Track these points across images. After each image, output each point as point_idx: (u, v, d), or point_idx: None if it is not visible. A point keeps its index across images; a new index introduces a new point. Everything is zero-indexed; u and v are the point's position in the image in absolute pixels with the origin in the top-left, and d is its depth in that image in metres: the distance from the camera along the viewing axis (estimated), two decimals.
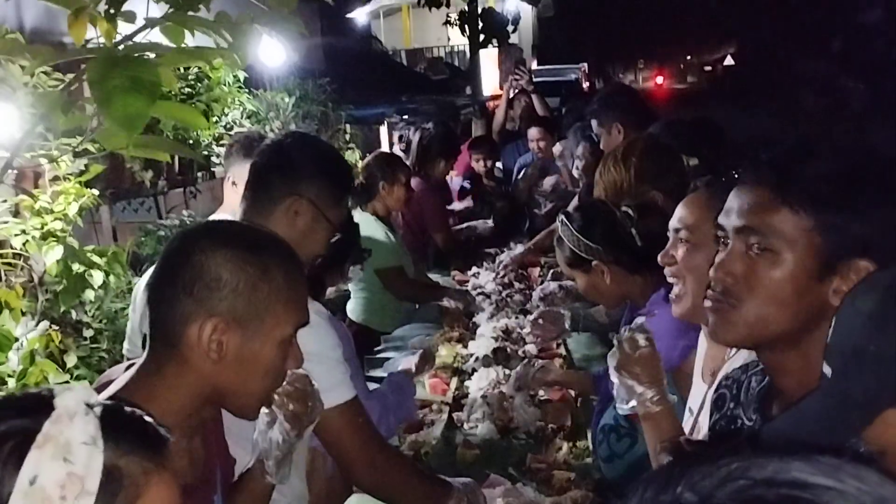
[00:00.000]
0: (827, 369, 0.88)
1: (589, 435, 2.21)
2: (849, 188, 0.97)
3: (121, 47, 1.42)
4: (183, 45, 1.50)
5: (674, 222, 1.54)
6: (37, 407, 0.74)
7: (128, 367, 1.19)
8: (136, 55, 1.30)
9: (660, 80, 39.64)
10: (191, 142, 3.75)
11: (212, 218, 2.20)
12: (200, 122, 1.70)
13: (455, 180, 5.30)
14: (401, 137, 5.03)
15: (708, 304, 1.06)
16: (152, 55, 1.40)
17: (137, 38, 1.58)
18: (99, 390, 1.14)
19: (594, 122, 3.14)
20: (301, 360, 1.20)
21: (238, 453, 1.34)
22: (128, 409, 0.81)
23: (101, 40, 1.58)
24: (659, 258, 1.54)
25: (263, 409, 1.26)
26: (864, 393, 0.84)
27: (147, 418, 0.81)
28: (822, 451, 0.49)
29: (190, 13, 1.49)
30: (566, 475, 2.08)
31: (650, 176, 2.16)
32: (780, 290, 0.99)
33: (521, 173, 5.32)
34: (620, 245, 1.91)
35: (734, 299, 1.02)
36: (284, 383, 1.25)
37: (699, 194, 1.55)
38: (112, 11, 1.58)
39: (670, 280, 1.54)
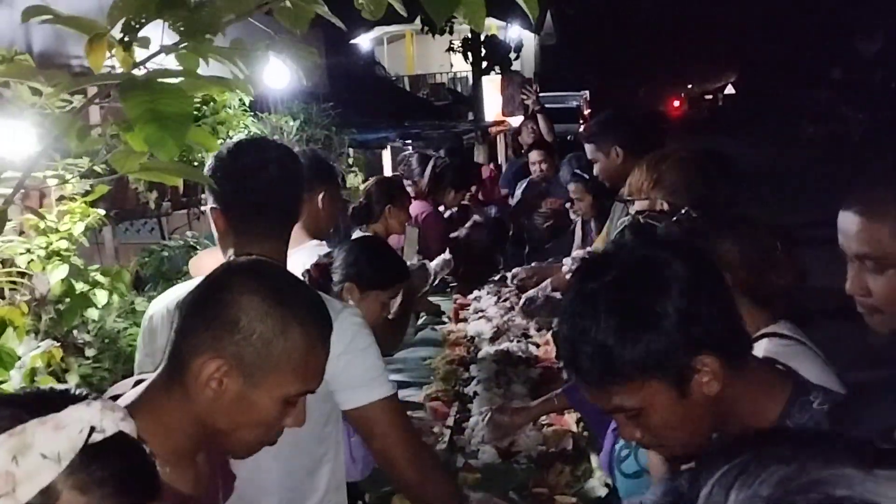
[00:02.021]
0: None
1: (594, 458, 2.20)
2: None
3: (140, 73, 1.44)
4: (198, 72, 1.52)
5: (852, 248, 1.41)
6: (52, 404, 0.75)
7: (136, 383, 1.20)
8: (160, 81, 1.32)
9: (676, 103, 39.86)
10: (196, 164, 3.77)
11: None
12: (212, 144, 1.71)
13: None
14: (402, 161, 5.08)
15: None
16: (174, 81, 1.42)
17: (150, 64, 1.61)
18: None
19: (591, 147, 3.12)
20: (302, 422, 1.18)
21: (239, 470, 1.34)
22: (135, 453, 0.80)
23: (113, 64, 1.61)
24: (850, 290, 1.43)
25: None
26: None
27: (152, 468, 0.81)
28: None
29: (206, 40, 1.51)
30: (568, 500, 2.07)
31: (667, 186, 2.18)
32: None
33: (519, 196, 5.36)
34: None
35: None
36: None
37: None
38: (127, 39, 1.61)
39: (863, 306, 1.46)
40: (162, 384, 1.13)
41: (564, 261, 3.44)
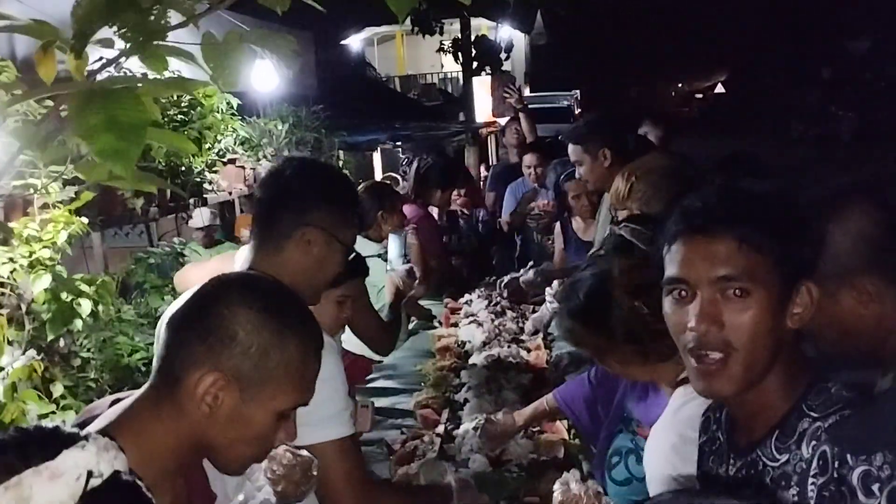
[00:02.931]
0: None
1: (585, 466, 2.18)
2: (799, 221, 1.12)
3: (98, 79, 1.40)
4: (160, 76, 1.48)
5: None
6: (43, 447, 0.73)
7: (112, 403, 1.17)
8: (116, 88, 1.27)
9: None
10: (183, 168, 3.74)
11: None
12: (190, 148, 1.68)
13: None
14: (406, 160, 5.06)
15: (693, 363, 1.11)
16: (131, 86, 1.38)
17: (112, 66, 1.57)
18: (83, 425, 1.12)
19: (577, 149, 3.09)
20: (294, 436, 1.18)
21: (217, 488, 1.32)
22: (132, 492, 0.78)
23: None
24: None
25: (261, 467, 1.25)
26: None
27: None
28: None
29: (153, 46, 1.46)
30: None
31: (636, 196, 2.20)
32: (760, 329, 1.08)
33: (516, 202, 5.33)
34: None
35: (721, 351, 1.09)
36: (287, 462, 1.23)
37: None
38: (78, 47, 1.56)
39: None
40: (150, 401, 1.11)
41: (547, 291, 3.45)
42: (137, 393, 1.14)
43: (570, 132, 3.27)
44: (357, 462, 1.57)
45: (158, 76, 1.53)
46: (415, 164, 4.55)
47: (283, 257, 1.60)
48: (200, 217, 4.72)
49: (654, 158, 2.52)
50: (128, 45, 1.36)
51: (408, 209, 4.19)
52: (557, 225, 4.13)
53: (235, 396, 1.08)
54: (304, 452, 1.41)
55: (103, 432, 1.07)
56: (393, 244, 3.37)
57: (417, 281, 3.23)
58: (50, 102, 2.42)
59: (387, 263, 3.31)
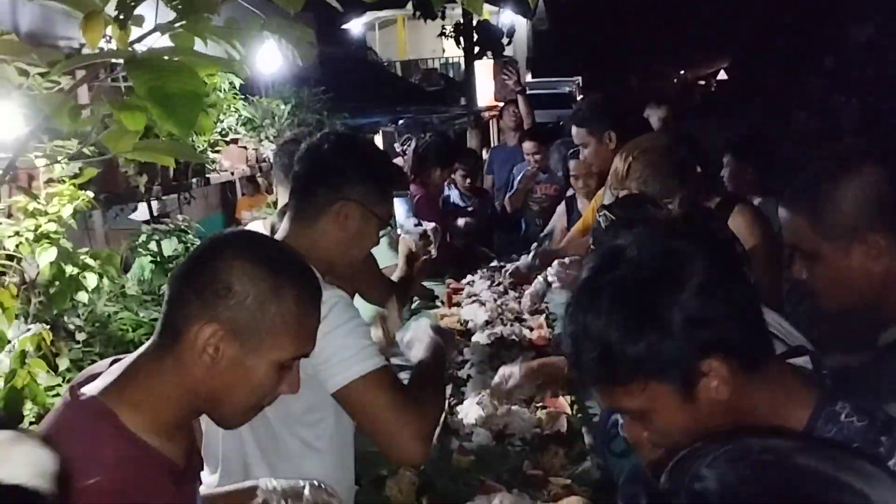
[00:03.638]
0: None
1: (586, 438, 2.20)
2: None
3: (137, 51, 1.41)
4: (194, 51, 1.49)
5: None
6: None
7: (112, 362, 1.19)
8: (168, 59, 1.29)
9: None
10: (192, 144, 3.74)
11: None
12: (206, 124, 1.70)
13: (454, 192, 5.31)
14: (403, 140, 5.06)
15: None
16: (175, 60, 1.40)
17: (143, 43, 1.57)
18: (83, 384, 1.14)
19: (582, 131, 3.08)
20: (297, 388, 1.19)
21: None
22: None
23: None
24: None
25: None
26: None
27: None
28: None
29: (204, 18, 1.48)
30: (562, 481, 2.07)
31: (634, 176, 2.21)
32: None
33: (516, 184, 5.33)
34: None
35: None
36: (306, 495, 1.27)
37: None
38: (122, 17, 1.58)
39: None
40: (153, 355, 1.13)
41: (548, 271, 3.44)
42: (139, 351, 1.16)
43: (575, 115, 3.27)
44: (395, 389, 1.52)
45: None
46: (413, 144, 4.56)
47: (318, 231, 1.61)
48: (146, 211, 4.24)
49: (651, 138, 2.54)
50: (176, 17, 1.38)
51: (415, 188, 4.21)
52: (562, 204, 4.13)
53: (235, 347, 1.10)
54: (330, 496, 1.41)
55: (107, 390, 1.09)
56: (400, 207, 3.35)
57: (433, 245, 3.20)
58: (55, 78, 2.43)
59: (396, 228, 3.29)
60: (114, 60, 1.67)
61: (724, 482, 0.59)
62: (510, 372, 2.37)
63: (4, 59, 2.12)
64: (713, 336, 0.99)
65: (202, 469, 1.31)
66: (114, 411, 1.08)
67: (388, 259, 3.31)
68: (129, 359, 1.16)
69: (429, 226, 3.16)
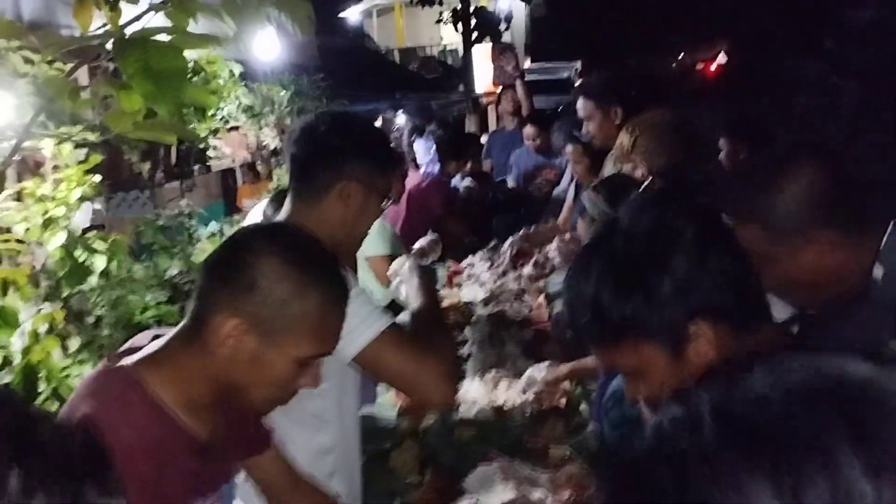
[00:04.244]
0: (878, 272, 0.95)
1: (585, 407, 2.26)
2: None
3: (132, 31, 1.45)
4: (188, 30, 1.54)
5: None
6: None
7: (153, 338, 1.23)
8: (154, 38, 1.33)
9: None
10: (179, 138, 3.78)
11: None
12: (210, 101, 1.74)
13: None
14: (399, 128, 5.13)
15: None
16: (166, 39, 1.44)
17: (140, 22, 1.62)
18: (123, 354, 1.19)
19: (589, 104, 3.09)
20: (318, 384, 1.21)
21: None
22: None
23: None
24: None
25: None
26: None
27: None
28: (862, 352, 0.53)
29: None
30: (562, 451, 2.12)
31: (641, 150, 2.24)
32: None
33: (515, 170, 5.38)
34: None
35: None
36: None
37: None
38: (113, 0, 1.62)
39: None
40: (183, 338, 1.17)
41: (549, 246, 3.49)
42: (174, 331, 1.20)
43: (584, 86, 3.30)
44: (408, 341, 1.55)
45: None
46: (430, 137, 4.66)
47: (321, 211, 1.61)
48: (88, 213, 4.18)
49: (658, 114, 2.55)
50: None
51: (418, 175, 4.28)
52: (572, 184, 4.17)
53: (255, 341, 1.12)
54: None
55: (140, 362, 1.15)
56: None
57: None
58: (59, 64, 2.47)
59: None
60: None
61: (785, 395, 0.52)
62: (534, 377, 2.43)
63: (9, 47, 2.17)
64: (700, 300, 1.03)
65: (247, 456, 1.34)
66: (142, 381, 1.12)
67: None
68: (165, 336, 1.20)
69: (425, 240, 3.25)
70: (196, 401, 1.16)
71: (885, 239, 1.01)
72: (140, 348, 1.19)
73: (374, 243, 3.22)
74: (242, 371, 1.14)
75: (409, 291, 1.86)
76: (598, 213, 1.98)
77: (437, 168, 5.14)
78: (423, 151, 5.63)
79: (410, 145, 5.13)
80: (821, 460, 0.47)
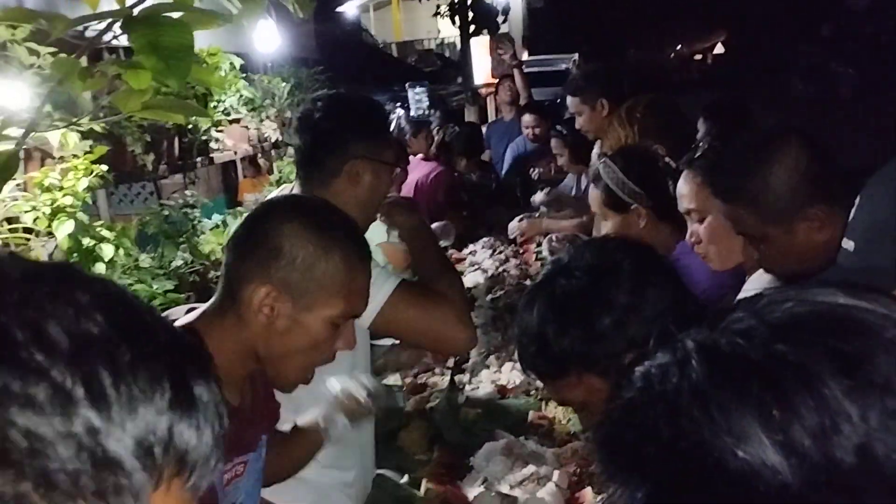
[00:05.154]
0: (848, 244, 0.98)
1: None
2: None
3: (136, 10, 1.48)
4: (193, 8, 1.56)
5: (682, 205, 1.68)
6: None
7: (189, 310, 1.26)
8: (164, 16, 1.36)
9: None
10: (190, 126, 3.80)
11: None
12: (217, 81, 1.76)
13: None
14: (398, 118, 5.18)
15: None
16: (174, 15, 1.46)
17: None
18: None
19: (575, 100, 3.15)
20: (354, 343, 1.25)
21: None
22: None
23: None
24: (687, 240, 1.70)
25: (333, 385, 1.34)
26: (888, 263, 0.92)
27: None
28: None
29: None
30: (567, 429, 2.16)
31: (653, 131, 2.25)
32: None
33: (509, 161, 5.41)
34: (660, 191, 1.94)
35: None
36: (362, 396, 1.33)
37: (689, 174, 1.67)
38: None
39: (698, 251, 1.69)
40: (216, 311, 1.20)
41: (542, 244, 3.57)
42: (207, 304, 1.24)
43: (568, 84, 3.36)
44: (418, 295, 1.59)
45: None
46: (441, 134, 4.70)
47: (333, 193, 1.62)
48: None
49: (646, 97, 2.57)
50: None
51: (426, 165, 4.32)
52: (575, 177, 4.23)
53: (289, 306, 1.16)
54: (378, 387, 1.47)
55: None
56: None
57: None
58: (63, 55, 2.49)
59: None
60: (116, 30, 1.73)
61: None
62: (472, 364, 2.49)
63: (15, 38, 2.20)
64: (639, 332, 1.06)
65: (269, 429, 1.37)
66: None
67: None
68: (200, 309, 1.24)
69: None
70: (227, 370, 1.18)
71: (853, 212, 1.04)
72: (174, 320, 1.22)
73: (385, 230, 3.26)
74: (280, 338, 1.17)
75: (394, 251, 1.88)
76: (615, 181, 2.00)
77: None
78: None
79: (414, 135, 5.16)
80: (806, 391, 0.47)
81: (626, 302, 1.06)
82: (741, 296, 1.58)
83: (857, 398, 0.47)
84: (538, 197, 3.81)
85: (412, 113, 3.76)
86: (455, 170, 4.70)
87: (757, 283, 1.53)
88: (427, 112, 3.94)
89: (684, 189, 1.69)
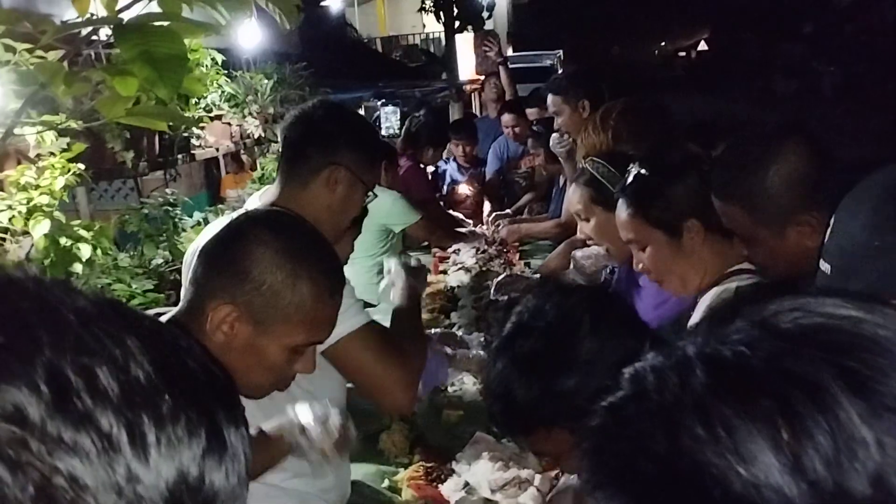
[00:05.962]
0: (825, 266, 0.97)
1: None
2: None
3: (124, 19, 1.45)
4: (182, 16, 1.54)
5: (622, 235, 1.68)
6: None
7: (157, 314, 1.25)
8: (153, 23, 1.34)
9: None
10: (170, 123, 3.76)
11: None
12: (198, 89, 1.74)
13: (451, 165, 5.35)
14: (377, 115, 5.13)
15: None
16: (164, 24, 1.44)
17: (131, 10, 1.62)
18: None
19: (557, 99, 3.14)
20: (312, 369, 1.23)
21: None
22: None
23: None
24: (636, 268, 1.68)
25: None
26: (864, 287, 0.90)
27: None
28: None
29: None
30: None
31: (627, 136, 2.24)
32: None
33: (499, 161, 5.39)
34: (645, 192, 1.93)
35: None
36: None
37: (622, 204, 1.67)
38: None
39: (651, 280, 1.69)
40: (184, 317, 1.19)
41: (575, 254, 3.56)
42: (173, 310, 1.23)
43: (551, 83, 3.35)
44: (380, 343, 1.57)
45: None
46: (406, 122, 4.65)
47: (308, 194, 1.63)
48: None
49: (622, 101, 2.53)
50: None
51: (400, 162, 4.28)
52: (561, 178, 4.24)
53: (248, 328, 1.15)
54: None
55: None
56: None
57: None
58: (40, 52, 2.45)
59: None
60: (99, 33, 1.71)
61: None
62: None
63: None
64: (602, 383, 1.05)
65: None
66: None
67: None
68: (169, 313, 1.23)
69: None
70: None
71: (828, 232, 1.04)
72: None
73: (404, 214, 3.33)
74: (237, 356, 1.16)
75: (395, 292, 1.89)
76: (603, 174, 1.98)
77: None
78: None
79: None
80: (819, 412, 0.43)
81: (588, 358, 1.06)
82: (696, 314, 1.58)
83: (872, 422, 0.43)
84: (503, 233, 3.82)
85: (382, 132, 3.70)
86: (421, 161, 4.61)
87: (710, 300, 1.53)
88: (396, 133, 3.87)
89: (620, 218, 1.66)
